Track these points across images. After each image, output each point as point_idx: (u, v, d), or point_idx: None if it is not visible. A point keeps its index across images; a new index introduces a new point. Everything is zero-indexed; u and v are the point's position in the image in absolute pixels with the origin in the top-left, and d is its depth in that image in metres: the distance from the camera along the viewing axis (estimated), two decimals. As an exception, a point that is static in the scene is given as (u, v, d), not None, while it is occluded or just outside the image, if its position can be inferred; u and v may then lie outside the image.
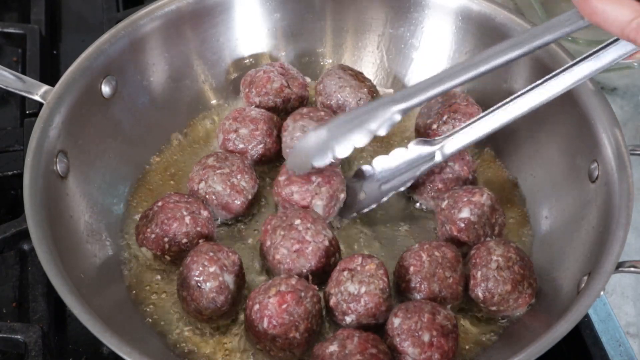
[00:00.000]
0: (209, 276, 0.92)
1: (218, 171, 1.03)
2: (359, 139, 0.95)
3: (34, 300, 0.99)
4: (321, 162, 0.97)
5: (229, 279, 0.93)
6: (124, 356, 0.79)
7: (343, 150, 0.96)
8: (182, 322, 0.96)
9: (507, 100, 0.97)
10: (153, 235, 0.98)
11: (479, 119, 1.00)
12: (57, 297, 0.84)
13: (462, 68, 0.91)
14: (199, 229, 0.99)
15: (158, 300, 0.99)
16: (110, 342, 0.80)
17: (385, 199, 1.05)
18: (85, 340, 1.00)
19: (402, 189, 1.04)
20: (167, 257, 0.99)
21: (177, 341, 0.95)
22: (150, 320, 0.97)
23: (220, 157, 1.05)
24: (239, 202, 1.03)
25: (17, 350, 0.94)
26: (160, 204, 1.00)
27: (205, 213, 1.01)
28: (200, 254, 0.93)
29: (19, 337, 0.93)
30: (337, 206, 1.04)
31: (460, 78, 0.91)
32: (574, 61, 0.92)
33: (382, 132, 0.94)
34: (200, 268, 0.92)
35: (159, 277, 1.00)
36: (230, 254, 0.95)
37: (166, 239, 0.98)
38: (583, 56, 0.92)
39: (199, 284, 0.92)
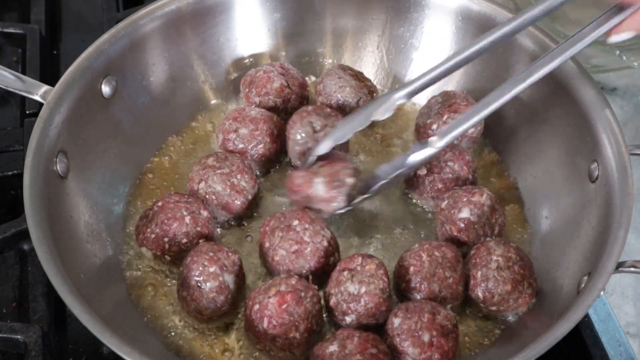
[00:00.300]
0: (209, 276, 0.92)
1: (218, 171, 1.03)
2: (359, 123, 1.00)
3: (34, 300, 0.99)
4: (323, 149, 1.00)
5: (229, 279, 0.93)
6: (124, 356, 0.79)
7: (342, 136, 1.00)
8: (182, 322, 0.96)
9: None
10: (153, 235, 0.98)
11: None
12: (57, 297, 0.84)
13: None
14: (199, 229, 0.99)
15: (158, 300, 0.98)
16: (110, 342, 0.80)
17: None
18: (85, 340, 1.00)
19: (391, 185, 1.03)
20: (167, 257, 0.99)
21: (177, 341, 0.95)
22: (149, 320, 0.97)
23: (220, 157, 1.05)
24: (239, 202, 1.03)
25: (17, 350, 0.94)
26: (160, 204, 1.00)
27: (205, 213, 1.00)
28: (200, 254, 0.93)
29: (19, 337, 0.93)
30: (343, 188, 0.99)
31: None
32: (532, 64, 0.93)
33: (381, 117, 0.99)
34: (200, 268, 0.92)
35: (158, 277, 1.00)
36: (230, 254, 0.95)
37: (166, 239, 0.98)
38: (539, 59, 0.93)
39: (199, 284, 0.92)
